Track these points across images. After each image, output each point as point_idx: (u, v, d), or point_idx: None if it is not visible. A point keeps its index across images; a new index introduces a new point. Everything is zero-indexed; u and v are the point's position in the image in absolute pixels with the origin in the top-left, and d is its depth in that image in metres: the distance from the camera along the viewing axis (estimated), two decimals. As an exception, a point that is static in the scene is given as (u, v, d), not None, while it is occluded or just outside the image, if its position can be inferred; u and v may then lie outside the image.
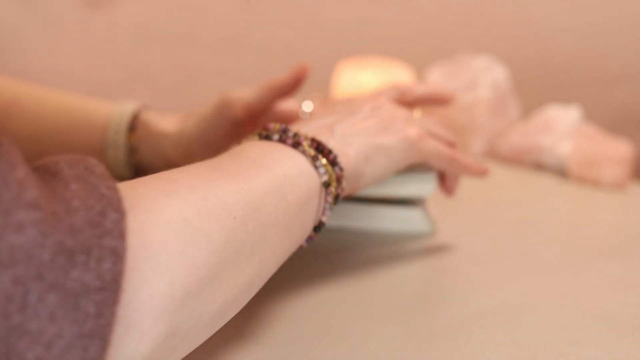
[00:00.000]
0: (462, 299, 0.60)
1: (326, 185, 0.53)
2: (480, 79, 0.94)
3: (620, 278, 0.65)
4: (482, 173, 0.66)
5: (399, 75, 0.98)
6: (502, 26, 1.32)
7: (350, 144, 0.57)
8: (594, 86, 1.36)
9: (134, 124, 0.71)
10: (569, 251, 0.70)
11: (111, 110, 0.72)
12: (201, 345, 0.46)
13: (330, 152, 0.54)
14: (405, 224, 0.71)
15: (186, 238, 0.39)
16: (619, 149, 0.87)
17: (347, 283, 0.63)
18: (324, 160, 0.53)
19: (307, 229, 0.52)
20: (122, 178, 0.70)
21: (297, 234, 0.51)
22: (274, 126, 0.55)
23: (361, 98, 0.64)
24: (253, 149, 0.51)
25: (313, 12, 1.23)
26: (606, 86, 1.37)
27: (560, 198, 0.86)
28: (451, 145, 0.65)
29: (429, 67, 0.98)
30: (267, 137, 0.54)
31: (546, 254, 0.69)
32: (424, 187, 0.69)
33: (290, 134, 0.54)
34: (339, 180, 0.54)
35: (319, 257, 0.68)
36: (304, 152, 0.52)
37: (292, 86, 0.68)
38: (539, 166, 0.92)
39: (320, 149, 0.54)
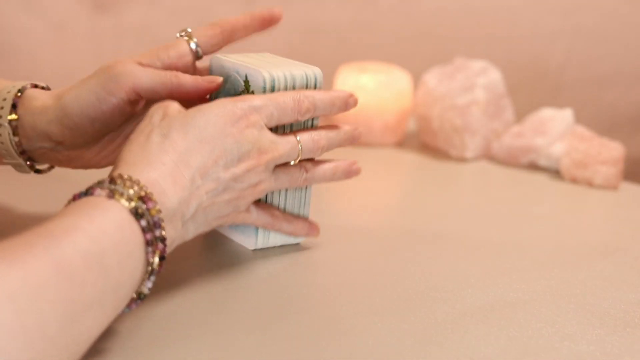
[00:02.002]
0: (457, 295, 0.60)
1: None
2: (476, 81, 0.94)
3: (612, 275, 0.66)
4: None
5: (398, 79, 0.99)
6: (496, 31, 1.32)
7: (192, 221, 0.55)
8: (586, 89, 1.37)
9: (17, 102, 0.62)
10: (562, 249, 0.71)
11: (1, 88, 0.64)
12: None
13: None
14: (287, 238, 0.67)
15: None
16: (611, 150, 0.88)
17: (344, 280, 0.63)
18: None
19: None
20: (14, 161, 0.64)
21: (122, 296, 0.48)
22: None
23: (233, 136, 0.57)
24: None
25: (314, 17, 1.24)
26: (598, 89, 1.38)
27: (554, 198, 0.86)
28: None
29: (426, 71, 0.99)
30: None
31: (540, 251, 0.70)
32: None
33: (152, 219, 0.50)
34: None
35: (311, 253, 0.69)
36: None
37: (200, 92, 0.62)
38: (533, 167, 0.93)
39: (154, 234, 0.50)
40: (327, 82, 1.05)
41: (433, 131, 0.96)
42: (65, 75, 1.11)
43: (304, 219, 0.66)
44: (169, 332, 0.53)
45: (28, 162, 0.64)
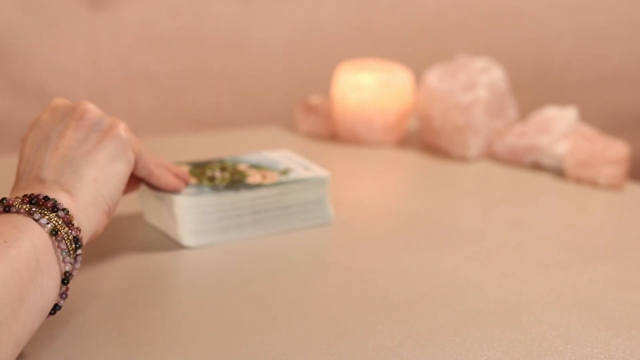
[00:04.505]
0: (460, 297, 0.60)
1: (54, 233, 0.50)
2: (478, 79, 0.94)
3: (616, 277, 0.66)
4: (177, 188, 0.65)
5: (399, 77, 0.98)
6: (499, 29, 1.32)
7: (65, 175, 0.54)
8: (590, 87, 1.37)
9: None
10: (566, 250, 0.71)
11: None
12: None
13: (45, 198, 0.51)
14: (314, 220, 0.72)
15: None
16: (616, 149, 0.88)
17: (344, 281, 0.63)
18: (44, 211, 0.50)
19: (52, 287, 0.49)
20: None
21: (40, 301, 0.48)
22: None
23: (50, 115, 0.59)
24: None
25: (313, 14, 1.24)
26: (602, 87, 1.38)
27: (558, 198, 0.86)
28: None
29: (427, 70, 0.99)
30: None
31: (543, 253, 0.70)
32: (321, 188, 0.72)
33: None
34: (68, 222, 0.51)
35: (312, 255, 0.69)
36: (18, 212, 0.50)
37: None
38: (537, 166, 0.93)
39: (34, 201, 0.51)
40: (328, 81, 1.05)
41: (434, 130, 0.96)
42: (60, 73, 1.11)
43: (174, 175, 0.66)
44: (170, 336, 0.53)
45: None
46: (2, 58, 1.09)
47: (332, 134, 1.00)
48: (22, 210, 0.50)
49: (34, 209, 0.50)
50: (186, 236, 0.66)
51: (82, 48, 1.12)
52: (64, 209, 0.51)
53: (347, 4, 1.25)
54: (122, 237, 0.68)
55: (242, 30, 1.20)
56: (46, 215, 0.50)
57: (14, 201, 0.50)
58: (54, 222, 0.50)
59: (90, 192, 0.55)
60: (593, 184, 0.87)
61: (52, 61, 1.11)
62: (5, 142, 1.11)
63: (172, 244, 0.67)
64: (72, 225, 0.51)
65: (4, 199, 0.51)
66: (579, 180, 0.88)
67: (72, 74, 1.12)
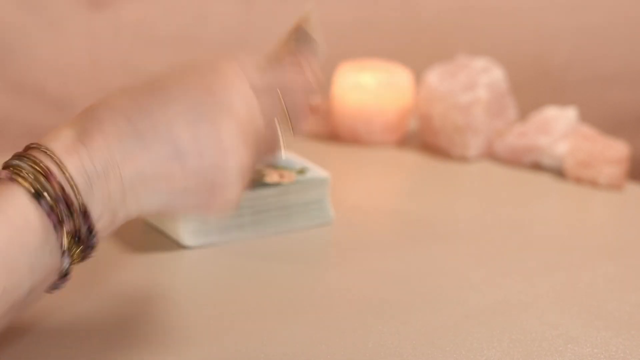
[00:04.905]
0: (460, 297, 0.60)
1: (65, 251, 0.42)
2: (478, 79, 0.94)
3: (616, 277, 0.66)
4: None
5: (399, 77, 0.98)
6: (499, 29, 1.32)
7: (130, 202, 0.44)
8: (590, 87, 1.37)
9: None
10: (566, 250, 0.71)
11: None
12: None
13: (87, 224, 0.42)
14: (314, 220, 0.71)
15: None
16: (616, 149, 0.88)
17: (344, 281, 0.63)
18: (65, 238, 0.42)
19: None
20: None
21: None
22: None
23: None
24: None
25: (313, 15, 1.24)
26: (603, 87, 1.37)
27: (558, 198, 0.86)
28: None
29: (427, 70, 0.99)
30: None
31: (543, 253, 0.70)
32: (321, 188, 0.71)
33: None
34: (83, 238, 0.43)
35: (312, 255, 0.69)
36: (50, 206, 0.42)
37: None
38: (537, 166, 0.93)
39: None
40: (327, 82, 1.05)
41: (434, 130, 0.96)
42: (60, 73, 1.11)
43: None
44: (170, 336, 0.53)
45: None
46: (2, 58, 1.09)
47: (332, 134, 1.00)
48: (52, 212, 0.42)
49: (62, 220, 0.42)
50: (186, 236, 0.66)
51: (82, 48, 1.12)
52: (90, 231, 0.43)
53: (347, 4, 1.25)
54: (122, 237, 0.68)
55: (242, 31, 1.20)
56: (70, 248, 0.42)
57: (61, 186, 0.42)
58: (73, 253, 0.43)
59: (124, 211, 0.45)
60: (593, 184, 0.87)
61: (52, 61, 1.11)
62: (5, 142, 1.11)
63: (172, 244, 0.67)
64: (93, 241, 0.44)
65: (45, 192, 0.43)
66: (579, 180, 0.88)
67: (72, 74, 1.12)
